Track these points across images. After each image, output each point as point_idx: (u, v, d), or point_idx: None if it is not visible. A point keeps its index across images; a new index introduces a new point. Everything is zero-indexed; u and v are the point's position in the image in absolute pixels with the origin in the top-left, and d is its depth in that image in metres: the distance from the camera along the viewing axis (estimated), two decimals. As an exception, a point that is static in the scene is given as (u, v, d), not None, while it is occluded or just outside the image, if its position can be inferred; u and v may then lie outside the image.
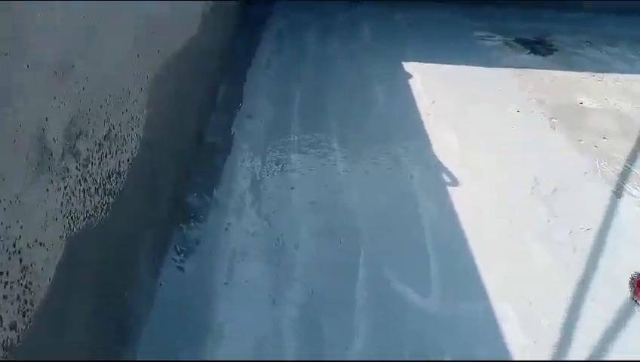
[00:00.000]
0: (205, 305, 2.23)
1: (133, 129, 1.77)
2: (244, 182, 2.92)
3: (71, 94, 1.27)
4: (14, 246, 1.04)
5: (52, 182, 1.19)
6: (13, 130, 1.01)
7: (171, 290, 2.25)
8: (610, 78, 4.22)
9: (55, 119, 1.19)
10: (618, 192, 2.96)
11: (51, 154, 1.18)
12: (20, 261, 1.06)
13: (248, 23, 4.72)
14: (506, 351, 2.10)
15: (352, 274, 2.42)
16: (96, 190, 1.47)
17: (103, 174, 1.53)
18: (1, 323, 0.99)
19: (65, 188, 1.26)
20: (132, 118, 1.76)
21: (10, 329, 1.02)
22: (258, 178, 2.96)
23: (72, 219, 1.30)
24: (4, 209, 0.99)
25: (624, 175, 3.10)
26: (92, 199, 1.44)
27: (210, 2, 3.19)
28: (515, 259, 2.52)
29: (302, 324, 2.18)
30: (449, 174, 3.05)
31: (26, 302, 1.09)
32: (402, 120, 3.54)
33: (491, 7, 5.28)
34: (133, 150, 1.79)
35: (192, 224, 2.59)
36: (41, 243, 1.15)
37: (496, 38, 4.88)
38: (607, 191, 2.96)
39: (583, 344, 2.15)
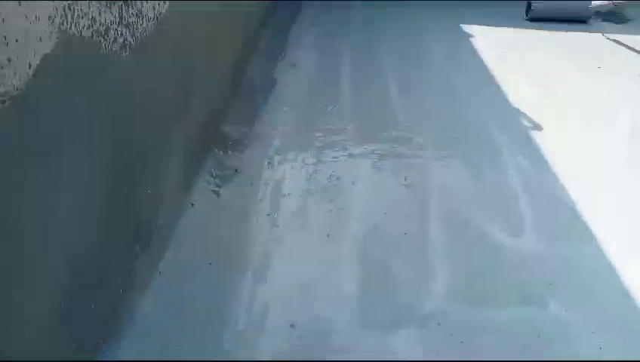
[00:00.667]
0: (244, 235, 1.80)
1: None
2: (290, 122, 2.52)
3: None
4: None
5: None
6: None
7: (204, 213, 1.83)
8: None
9: None
10: None
11: None
12: None
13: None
14: (631, 300, 1.60)
15: (422, 213, 1.96)
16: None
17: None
18: None
19: None
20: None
21: None
22: (306, 116, 2.56)
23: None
24: None
25: None
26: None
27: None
28: (625, 204, 2.03)
29: (364, 262, 1.73)
30: (531, 121, 2.59)
31: None
32: (466, 73, 3.11)
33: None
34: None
35: (230, 152, 2.19)
36: None
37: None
38: None
39: None
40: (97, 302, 1.18)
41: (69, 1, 0.92)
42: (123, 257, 1.32)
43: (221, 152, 2.14)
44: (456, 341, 1.47)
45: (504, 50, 3.41)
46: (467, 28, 3.81)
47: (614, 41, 3.57)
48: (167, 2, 1.48)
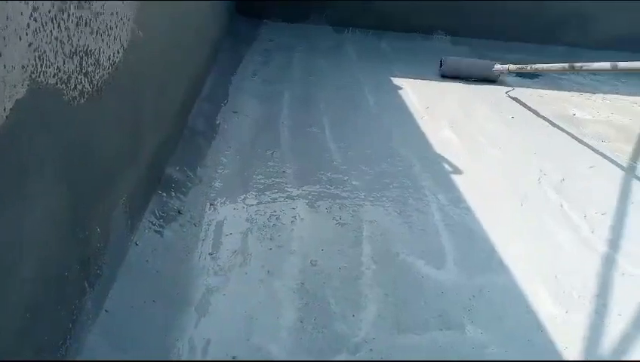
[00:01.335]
0: (187, 273, 1.90)
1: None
2: (232, 164, 2.65)
3: None
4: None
5: None
6: None
7: (148, 252, 1.91)
8: (598, 97, 4.21)
9: None
10: (626, 184, 2.81)
11: None
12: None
13: (233, 38, 4.61)
14: (538, 322, 1.83)
15: (355, 249, 2.13)
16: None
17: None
18: None
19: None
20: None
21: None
22: (247, 160, 2.70)
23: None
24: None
25: (629, 170, 2.97)
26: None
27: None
28: (534, 238, 2.30)
29: (302, 296, 1.87)
30: (451, 165, 2.86)
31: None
32: (396, 119, 3.38)
33: (476, 39, 5.32)
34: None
35: (174, 194, 2.28)
36: None
37: (481, 65, 4.88)
38: (615, 183, 2.81)
39: (619, 311, 1.90)
40: (48, 338, 1.24)
41: (40, 53, 1.04)
42: (73, 294, 1.39)
43: (164, 194, 2.24)
44: (385, 363, 1.62)
45: (430, 100, 3.73)
46: (397, 80, 4.13)
47: (514, 99, 3.99)
48: (121, 53, 1.62)
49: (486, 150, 3.06)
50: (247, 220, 2.24)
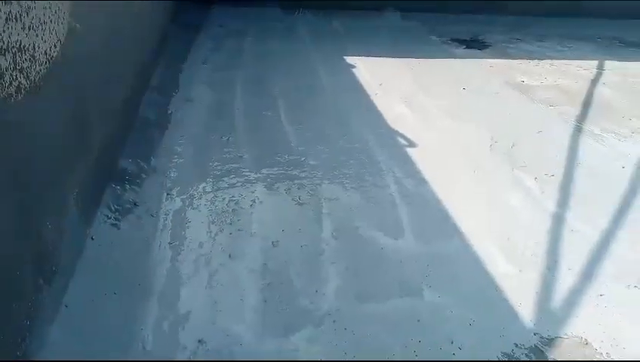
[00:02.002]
0: (147, 264, 1.89)
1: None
2: (187, 153, 2.63)
3: None
4: None
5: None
6: None
7: (105, 246, 1.89)
8: (545, 63, 4.33)
9: None
10: (573, 146, 2.92)
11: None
12: None
13: (182, 25, 4.53)
14: (493, 282, 1.90)
15: (315, 227, 2.16)
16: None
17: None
18: None
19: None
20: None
21: None
22: (202, 148, 2.69)
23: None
24: None
25: (576, 132, 3.09)
26: None
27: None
28: (487, 203, 2.38)
29: (264, 276, 1.88)
30: (406, 138, 2.91)
31: None
32: (350, 98, 3.41)
33: (427, 14, 5.38)
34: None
35: (128, 186, 2.26)
36: None
37: (432, 39, 4.95)
38: (562, 145, 2.92)
39: (568, 266, 1.99)
40: (3, 337, 1.22)
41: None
42: (27, 291, 1.37)
43: (118, 187, 2.21)
44: (349, 333, 1.66)
45: (383, 77, 3.77)
46: (350, 59, 4.15)
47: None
48: (59, 47, 1.58)
49: (439, 122, 3.13)
50: (205, 207, 2.23)
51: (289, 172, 2.55)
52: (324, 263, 1.97)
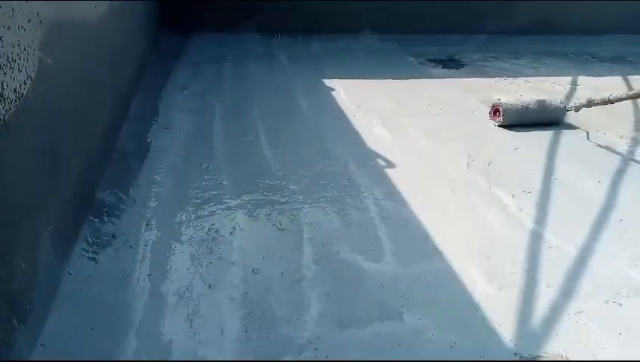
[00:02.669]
0: (126, 297, 1.87)
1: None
2: (167, 181, 2.62)
3: None
4: None
5: None
6: None
7: (82, 280, 1.87)
8: (520, 81, 4.42)
9: None
10: (549, 162, 2.97)
11: None
12: None
13: (160, 53, 4.55)
14: (472, 302, 1.91)
15: (296, 252, 2.16)
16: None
17: None
18: None
19: None
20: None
21: None
22: (182, 176, 2.68)
23: None
24: None
25: (551, 148, 3.14)
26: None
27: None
28: (465, 221, 2.40)
29: (245, 305, 1.87)
30: (385, 159, 2.94)
31: None
32: (329, 121, 3.44)
33: (403, 35, 5.47)
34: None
35: (106, 218, 2.24)
36: None
37: (409, 59, 5.03)
38: (539, 162, 2.96)
39: (547, 283, 2.01)
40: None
41: None
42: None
43: (97, 220, 2.19)
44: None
45: (361, 99, 3.81)
46: (329, 82, 4.20)
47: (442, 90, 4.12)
48: (29, 83, 1.58)
49: (417, 142, 3.17)
50: (185, 236, 2.22)
51: (269, 197, 2.55)
52: (305, 290, 1.97)
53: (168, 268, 2.03)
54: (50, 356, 1.57)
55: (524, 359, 1.68)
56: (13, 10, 1.43)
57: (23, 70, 1.50)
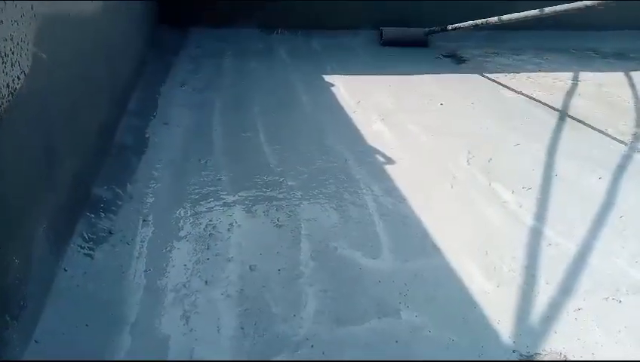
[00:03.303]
0: (122, 293, 1.86)
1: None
2: (164, 177, 2.61)
3: None
4: None
5: None
6: None
7: (78, 277, 1.86)
8: (522, 76, 4.38)
9: None
10: (550, 158, 2.95)
11: None
12: None
13: (160, 48, 4.52)
14: (471, 299, 1.90)
15: (294, 249, 2.15)
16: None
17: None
18: None
19: None
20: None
21: None
22: (180, 172, 2.67)
23: None
24: None
25: (552, 144, 3.12)
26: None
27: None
28: (464, 218, 2.38)
29: (241, 302, 1.86)
30: (384, 155, 2.92)
31: None
32: (329, 117, 3.42)
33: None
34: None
35: (103, 214, 2.23)
36: None
37: (409, 56, 4.97)
38: (539, 158, 2.94)
39: (546, 280, 2.00)
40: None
41: None
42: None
43: (93, 215, 2.18)
44: (326, 358, 1.64)
45: (361, 94, 3.78)
46: (329, 78, 4.17)
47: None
48: (23, 78, 1.56)
49: (416, 138, 3.14)
50: (182, 232, 2.21)
51: (268, 193, 2.54)
52: (302, 286, 1.96)
53: (165, 264, 2.02)
54: (44, 354, 1.56)
55: (522, 358, 1.66)
56: (5, 3, 1.41)
57: (17, 65, 1.48)
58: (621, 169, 2.84)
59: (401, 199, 2.49)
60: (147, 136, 3.02)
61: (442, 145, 3.04)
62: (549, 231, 2.30)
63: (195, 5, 5.14)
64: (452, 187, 2.61)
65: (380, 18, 5.35)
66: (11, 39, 1.44)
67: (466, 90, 3.99)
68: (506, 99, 3.80)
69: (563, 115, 3.53)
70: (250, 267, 2.04)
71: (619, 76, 4.47)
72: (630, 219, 2.39)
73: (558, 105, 3.73)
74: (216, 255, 2.10)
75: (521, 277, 2.02)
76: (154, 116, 3.28)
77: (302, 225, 2.30)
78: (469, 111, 3.53)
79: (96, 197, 2.31)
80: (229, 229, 2.26)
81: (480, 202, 2.50)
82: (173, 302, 1.84)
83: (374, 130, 3.23)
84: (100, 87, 2.65)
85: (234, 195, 2.51)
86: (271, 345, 1.69)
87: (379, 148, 2.98)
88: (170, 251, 2.09)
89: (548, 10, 3.54)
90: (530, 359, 1.66)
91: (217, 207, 2.41)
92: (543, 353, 1.69)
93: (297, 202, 2.48)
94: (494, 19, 3.47)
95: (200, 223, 2.28)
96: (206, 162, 2.79)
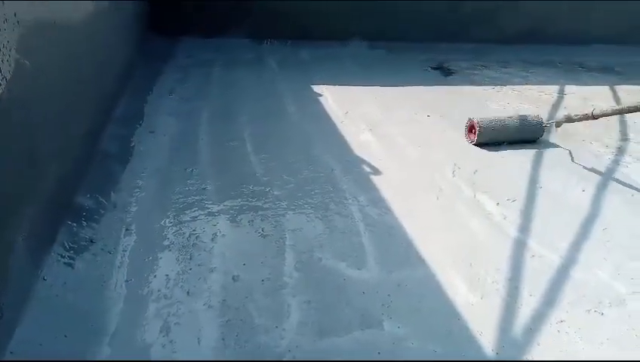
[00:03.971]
0: (102, 303, 1.83)
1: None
2: (149, 186, 2.59)
3: None
4: None
5: None
6: None
7: (57, 286, 1.83)
8: (508, 89, 4.43)
9: None
10: (534, 170, 2.97)
11: None
12: None
13: (149, 56, 4.52)
14: (454, 310, 1.89)
15: (278, 259, 2.13)
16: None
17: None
18: None
19: None
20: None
21: None
22: (165, 181, 2.65)
23: None
24: None
25: (537, 156, 3.14)
26: None
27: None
28: (449, 229, 2.38)
29: (223, 313, 1.84)
30: (371, 166, 2.92)
31: None
32: (316, 127, 3.42)
33: (391, 43, 5.45)
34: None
35: (85, 223, 2.20)
36: None
37: (398, 67, 5.00)
38: (524, 170, 2.96)
39: (530, 292, 2.00)
40: None
41: None
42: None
43: (75, 224, 2.15)
44: (307, 370, 1.62)
45: (349, 105, 3.80)
46: (317, 88, 4.18)
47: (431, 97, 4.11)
48: (4, 85, 1.55)
49: (403, 149, 3.15)
50: (165, 242, 2.19)
51: (253, 203, 2.53)
52: (286, 297, 1.94)
53: (146, 274, 1.99)
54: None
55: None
56: (-14, 10, 1.40)
57: (-4, 71, 1.47)
58: (605, 181, 2.86)
59: (386, 210, 2.49)
60: (132, 144, 3.00)
61: (429, 157, 3.06)
62: (532, 243, 2.30)
63: (186, 14, 5.15)
64: (437, 198, 2.62)
65: (369, 29, 5.40)
66: (-8, 45, 1.43)
67: (453, 102, 4.02)
68: (493, 112, 3.83)
69: (548, 127, 3.55)
70: (233, 277, 2.02)
71: (604, 90, 4.54)
72: (613, 232, 2.41)
73: (543, 118, 3.75)
74: (199, 265, 2.08)
75: (505, 289, 2.02)
76: (140, 124, 3.26)
77: (287, 235, 2.29)
78: (456, 124, 3.55)
79: (79, 205, 2.28)
80: (212, 239, 2.24)
81: (465, 214, 2.50)
82: (154, 313, 1.82)
83: (361, 141, 3.23)
84: (86, 95, 2.63)
85: (219, 205, 2.49)
86: (252, 356, 1.67)
87: (366, 158, 2.99)
88: (152, 261, 2.07)
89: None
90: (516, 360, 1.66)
91: (202, 217, 2.39)
92: (526, 365, 1.69)
93: (283, 212, 2.47)
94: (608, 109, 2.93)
95: (183, 233, 2.26)
96: (191, 171, 2.77)
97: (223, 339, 1.74)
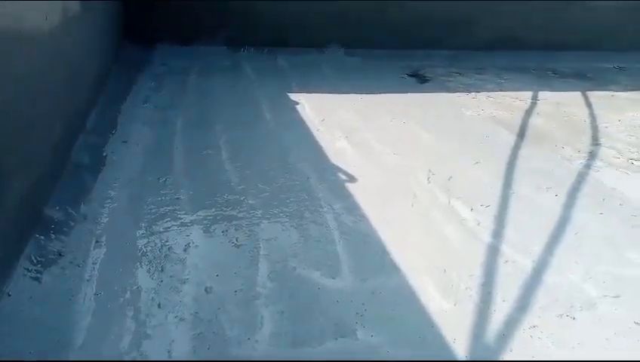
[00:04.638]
0: (69, 317, 1.79)
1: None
2: (121, 197, 2.55)
3: None
4: None
5: None
6: None
7: (23, 301, 1.78)
8: (483, 96, 4.48)
9: None
10: (508, 176, 3.00)
11: None
12: None
13: (123, 65, 4.46)
14: (428, 318, 1.89)
15: (251, 269, 2.11)
16: None
17: None
18: None
19: None
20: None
21: None
22: (137, 191, 2.61)
23: None
24: None
25: (511, 162, 3.17)
26: None
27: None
28: (424, 236, 2.39)
29: (195, 325, 1.81)
30: (346, 173, 2.92)
31: None
32: (293, 134, 3.41)
33: (368, 50, 5.48)
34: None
35: (53, 236, 2.15)
36: None
37: (374, 74, 5.03)
38: (498, 176, 2.99)
39: (503, 297, 2.01)
40: None
41: None
42: None
43: (42, 237, 2.10)
44: (280, 382, 1.61)
45: (326, 112, 3.80)
46: (294, 96, 4.18)
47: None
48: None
49: (379, 156, 3.16)
50: (136, 254, 2.15)
51: (227, 212, 2.50)
52: (259, 308, 1.92)
53: (116, 287, 1.96)
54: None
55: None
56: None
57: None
58: (577, 186, 2.90)
59: (361, 217, 2.49)
60: (105, 154, 2.95)
61: (404, 163, 3.07)
62: (505, 248, 2.32)
63: (162, 22, 5.10)
64: (412, 205, 2.63)
65: (346, 36, 5.42)
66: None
67: (428, 108, 4.05)
68: (467, 118, 3.87)
69: (522, 133, 3.61)
70: (205, 289, 2.00)
71: (576, 96, 4.62)
72: (585, 236, 2.44)
73: (517, 123, 3.81)
74: (171, 276, 2.05)
75: (478, 295, 2.03)
76: (112, 134, 3.22)
77: (261, 245, 2.27)
78: (431, 130, 3.58)
79: (48, 218, 2.23)
80: (185, 250, 2.21)
81: (439, 220, 2.51)
82: (122, 327, 1.78)
83: (337, 148, 3.23)
84: (56, 104, 2.58)
85: (192, 215, 2.46)
86: (224, 369, 1.65)
87: (341, 166, 2.99)
88: (122, 273, 2.03)
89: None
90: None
91: (174, 227, 2.36)
92: (499, 371, 1.69)
93: (257, 221, 2.45)
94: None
95: (155, 244, 2.23)
96: (165, 181, 2.74)
97: (195, 352, 1.71)
